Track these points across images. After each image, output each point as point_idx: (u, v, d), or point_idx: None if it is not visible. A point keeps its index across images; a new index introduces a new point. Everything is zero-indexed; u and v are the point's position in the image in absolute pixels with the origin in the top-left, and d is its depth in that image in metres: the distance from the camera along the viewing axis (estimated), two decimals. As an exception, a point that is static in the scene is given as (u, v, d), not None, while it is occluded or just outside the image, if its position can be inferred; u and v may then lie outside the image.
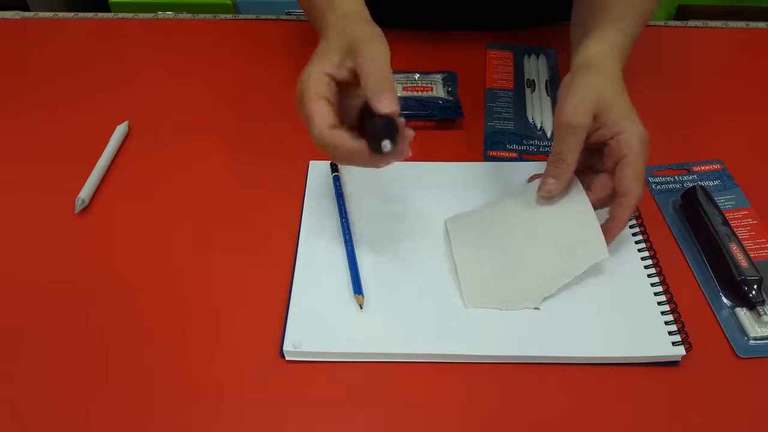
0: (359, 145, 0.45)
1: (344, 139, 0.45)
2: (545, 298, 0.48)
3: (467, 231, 0.53)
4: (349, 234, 0.53)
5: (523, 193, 0.54)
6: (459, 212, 0.55)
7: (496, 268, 0.50)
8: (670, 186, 0.59)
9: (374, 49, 0.46)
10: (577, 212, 0.51)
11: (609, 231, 0.49)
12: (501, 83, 0.71)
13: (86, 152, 0.62)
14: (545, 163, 0.51)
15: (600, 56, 0.51)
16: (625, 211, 0.48)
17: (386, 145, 0.44)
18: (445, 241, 0.53)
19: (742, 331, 0.47)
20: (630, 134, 0.48)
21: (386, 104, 0.44)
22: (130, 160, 0.62)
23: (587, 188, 0.51)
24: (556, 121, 0.50)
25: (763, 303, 0.48)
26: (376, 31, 0.48)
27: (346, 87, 0.47)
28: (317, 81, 0.46)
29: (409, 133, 0.46)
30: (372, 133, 0.44)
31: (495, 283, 0.49)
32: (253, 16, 0.83)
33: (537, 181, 0.53)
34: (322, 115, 0.45)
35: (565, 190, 0.51)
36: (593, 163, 0.52)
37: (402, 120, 0.46)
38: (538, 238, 0.51)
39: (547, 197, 0.51)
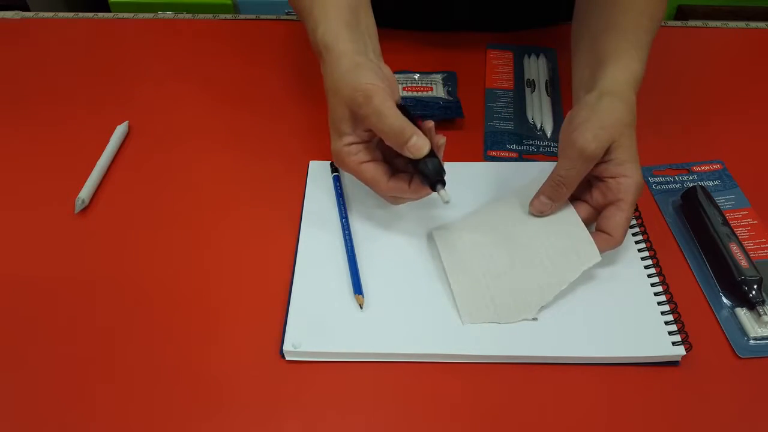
0: (416, 187, 0.48)
1: (403, 186, 0.49)
2: (542, 308, 0.48)
3: (456, 244, 0.52)
4: (349, 234, 0.53)
5: (508, 203, 0.54)
6: (458, 211, 0.55)
7: (490, 281, 0.49)
8: (670, 186, 0.59)
9: (377, 112, 0.46)
10: (564, 220, 0.51)
11: None
12: (501, 83, 0.71)
13: (86, 152, 0.62)
14: (545, 163, 0.51)
15: (626, 86, 0.50)
16: (605, 248, 0.49)
17: (443, 193, 0.47)
18: (433, 249, 0.52)
19: (742, 331, 0.47)
20: (632, 181, 0.48)
21: (416, 150, 0.46)
22: (130, 160, 0.62)
23: None
24: (568, 141, 0.48)
25: (763, 303, 0.48)
26: (367, 78, 0.47)
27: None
28: (347, 153, 0.49)
29: (442, 141, 0.48)
30: (425, 178, 0.47)
31: (490, 297, 0.48)
32: (253, 16, 0.83)
33: (521, 192, 0.54)
34: (375, 177, 0.49)
35: (557, 208, 0.52)
36: (578, 190, 0.51)
37: (430, 124, 0.48)
38: (529, 248, 0.51)
39: (536, 215, 0.52)
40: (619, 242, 0.49)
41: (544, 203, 0.51)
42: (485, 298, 0.48)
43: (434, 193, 0.47)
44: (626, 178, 0.48)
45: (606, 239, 0.49)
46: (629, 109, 0.49)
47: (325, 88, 0.50)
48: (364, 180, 0.49)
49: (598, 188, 0.50)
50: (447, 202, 0.46)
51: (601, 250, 0.48)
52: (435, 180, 0.46)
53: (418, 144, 0.46)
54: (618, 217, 0.48)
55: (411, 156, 0.46)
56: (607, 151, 0.48)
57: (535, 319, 0.47)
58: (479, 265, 0.50)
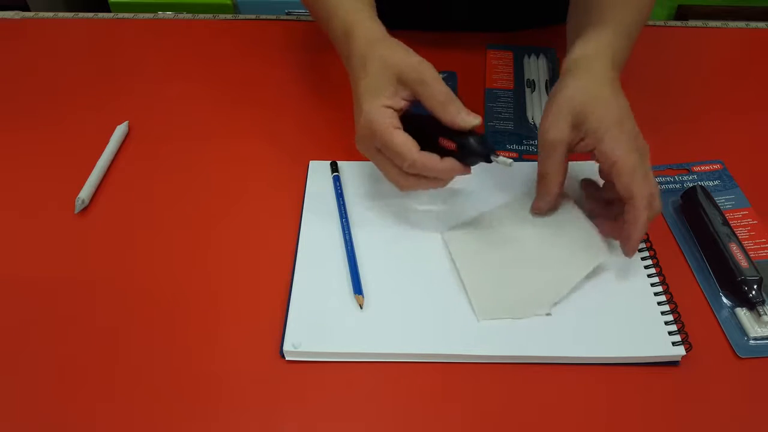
0: (450, 162, 0.47)
1: (435, 159, 0.47)
2: (555, 303, 0.48)
3: (467, 244, 0.52)
4: (349, 234, 0.53)
5: (516, 204, 0.55)
6: (456, 213, 0.55)
7: (502, 278, 0.50)
8: (670, 186, 0.59)
9: (431, 76, 0.47)
10: (570, 218, 0.52)
11: (625, 235, 0.48)
12: (501, 83, 0.71)
13: (86, 152, 0.62)
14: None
15: (585, 59, 0.50)
16: (634, 213, 0.46)
17: (501, 159, 0.46)
18: (443, 248, 0.53)
19: (742, 331, 0.47)
20: (610, 143, 0.46)
21: (470, 117, 0.46)
22: (130, 160, 0.62)
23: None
24: (538, 136, 0.50)
25: (763, 303, 0.48)
26: (409, 50, 0.49)
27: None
28: (383, 114, 0.47)
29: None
30: (480, 147, 0.47)
31: (504, 293, 0.49)
32: (253, 16, 0.83)
33: (525, 195, 0.54)
34: (406, 143, 0.47)
35: (554, 206, 0.52)
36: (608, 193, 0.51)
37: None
38: (538, 247, 0.51)
39: (534, 215, 0.53)
40: (643, 195, 0.46)
41: (537, 201, 0.51)
42: (498, 294, 0.49)
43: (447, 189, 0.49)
44: (602, 143, 0.46)
45: (627, 209, 0.47)
46: (592, 78, 0.48)
47: (354, 66, 0.50)
48: (393, 146, 0.47)
49: (600, 169, 0.50)
50: (510, 165, 0.46)
51: (635, 219, 0.46)
52: (488, 150, 0.47)
53: (470, 114, 0.46)
54: (622, 177, 0.46)
55: (463, 124, 0.46)
56: (576, 128, 0.47)
57: (548, 314, 0.47)
58: (491, 264, 0.51)
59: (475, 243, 0.52)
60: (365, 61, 0.49)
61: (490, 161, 0.47)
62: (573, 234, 0.51)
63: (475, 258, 0.51)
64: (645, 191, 0.46)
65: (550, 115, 0.48)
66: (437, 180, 0.49)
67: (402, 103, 0.48)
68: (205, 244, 0.54)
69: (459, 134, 0.47)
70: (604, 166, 0.48)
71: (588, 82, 0.48)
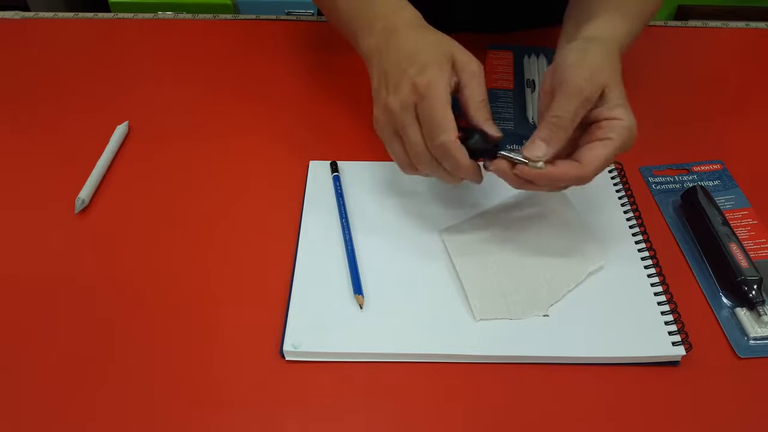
0: (474, 165, 0.46)
1: (464, 154, 0.45)
2: (552, 305, 0.48)
3: (465, 244, 0.52)
4: (349, 234, 0.53)
5: (513, 206, 0.55)
6: (456, 213, 0.55)
7: (500, 278, 0.50)
8: (670, 186, 0.59)
9: (476, 71, 0.47)
10: (568, 221, 0.52)
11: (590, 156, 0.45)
12: (501, 83, 0.71)
13: (86, 152, 0.62)
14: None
15: (611, 36, 0.49)
16: (569, 176, 0.45)
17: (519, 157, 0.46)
18: (443, 249, 0.53)
19: (742, 331, 0.47)
20: (625, 123, 0.45)
21: (495, 130, 0.47)
22: (130, 160, 0.62)
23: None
24: (563, 80, 0.45)
25: (763, 303, 0.48)
26: (458, 43, 0.49)
27: None
28: (446, 89, 0.46)
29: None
30: (486, 155, 0.47)
31: (501, 293, 0.49)
32: (253, 16, 0.83)
33: (523, 195, 0.54)
34: (452, 123, 0.45)
35: (554, 153, 0.46)
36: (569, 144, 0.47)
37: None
38: (536, 248, 0.51)
39: (533, 162, 0.45)
40: (588, 176, 0.45)
41: (539, 146, 0.45)
42: (496, 294, 0.49)
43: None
44: (619, 120, 0.45)
45: (574, 166, 0.45)
46: (617, 58, 0.48)
47: (378, 41, 0.50)
48: (441, 117, 0.45)
49: (588, 132, 0.47)
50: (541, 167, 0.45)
51: (565, 179, 0.45)
52: (497, 147, 0.47)
53: (495, 127, 0.47)
54: (597, 150, 0.45)
55: (492, 132, 0.47)
56: (600, 95, 0.46)
57: (546, 315, 0.48)
58: (489, 264, 0.51)
59: (473, 244, 0.52)
60: (415, 40, 0.49)
61: (495, 157, 0.47)
62: (569, 239, 0.52)
63: (474, 259, 0.51)
64: (594, 171, 0.45)
65: (589, 68, 0.45)
66: (448, 175, 0.48)
67: (450, 89, 0.46)
68: (205, 244, 0.54)
69: (472, 134, 0.47)
70: (598, 134, 0.46)
71: (615, 59, 0.48)
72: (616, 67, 0.48)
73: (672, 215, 0.56)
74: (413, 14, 0.53)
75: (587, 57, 0.46)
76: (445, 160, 0.46)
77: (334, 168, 0.59)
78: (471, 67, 0.48)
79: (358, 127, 0.65)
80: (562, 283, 0.49)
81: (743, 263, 0.49)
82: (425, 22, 0.53)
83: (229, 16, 0.83)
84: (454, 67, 0.48)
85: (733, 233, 0.52)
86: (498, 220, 0.54)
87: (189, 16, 0.84)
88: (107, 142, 0.63)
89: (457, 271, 0.50)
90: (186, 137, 0.65)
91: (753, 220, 0.54)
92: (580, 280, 0.49)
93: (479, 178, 0.48)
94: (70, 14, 0.84)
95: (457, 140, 0.45)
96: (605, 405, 0.44)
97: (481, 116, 0.47)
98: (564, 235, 0.52)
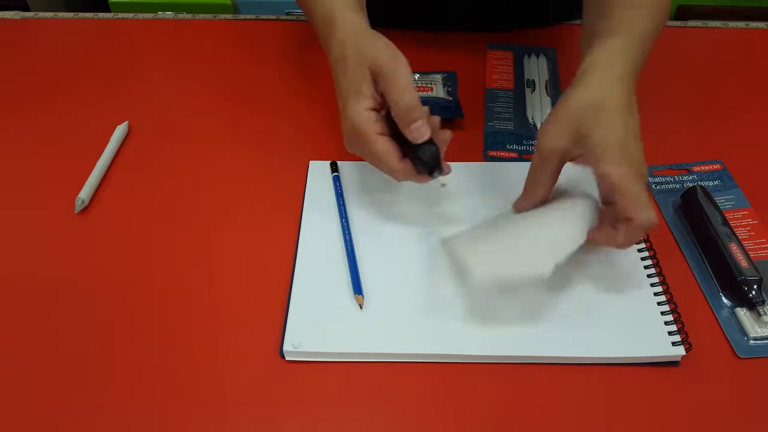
0: (421, 176, 0.48)
1: (411, 171, 0.48)
2: (557, 265, 0.45)
3: (464, 239, 0.51)
4: (349, 234, 0.53)
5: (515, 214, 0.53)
6: (456, 213, 0.55)
7: (499, 237, 0.49)
8: (670, 186, 0.59)
9: (398, 73, 0.47)
10: (571, 207, 0.50)
11: (617, 245, 0.46)
12: (501, 83, 0.71)
13: (86, 152, 0.62)
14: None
15: (598, 68, 0.47)
16: (631, 231, 0.44)
17: (437, 176, 0.48)
18: (433, 248, 0.52)
19: (742, 331, 0.47)
20: (609, 167, 0.43)
21: (417, 134, 0.47)
22: (130, 160, 0.62)
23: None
24: (536, 140, 0.48)
25: (763, 303, 0.48)
26: (387, 43, 0.49)
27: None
28: (367, 119, 0.48)
29: (447, 136, 0.49)
30: (422, 164, 0.48)
31: (500, 249, 0.47)
32: (253, 16, 0.83)
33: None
34: (389, 151, 0.48)
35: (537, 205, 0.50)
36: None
37: (436, 119, 0.49)
38: (537, 219, 0.50)
39: (513, 212, 0.51)
40: (642, 219, 0.44)
41: (518, 200, 0.51)
42: (494, 250, 0.47)
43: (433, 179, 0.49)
44: (599, 165, 0.44)
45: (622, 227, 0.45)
46: (608, 89, 0.46)
47: (334, 57, 0.50)
48: (376, 152, 0.48)
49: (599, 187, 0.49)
50: (444, 185, 0.48)
51: (627, 236, 0.45)
52: (432, 166, 0.48)
53: (420, 129, 0.46)
54: (619, 201, 0.44)
55: (410, 138, 0.47)
56: (576, 142, 0.45)
57: (550, 274, 0.44)
58: (486, 233, 0.50)
59: (471, 233, 0.51)
60: (344, 54, 0.49)
61: (432, 176, 0.48)
62: (572, 205, 0.49)
63: (469, 234, 0.50)
64: (645, 217, 0.44)
65: (552, 122, 0.46)
66: (412, 181, 0.50)
67: (380, 99, 0.48)
68: (205, 244, 0.54)
69: (413, 145, 0.47)
70: (602, 186, 0.48)
71: (597, 94, 0.45)
72: (601, 97, 0.45)
73: (672, 215, 0.56)
74: (349, 18, 0.51)
75: (557, 106, 0.47)
76: (401, 180, 0.49)
77: (334, 168, 0.59)
78: (388, 72, 0.47)
79: (358, 127, 0.65)
80: (565, 242, 0.46)
81: (743, 263, 0.49)
82: (361, 23, 0.51)
83: (229, 16, 0.83)
84: (376, 79, 0.48)
85: (733, 233, 0.52)
86: (499, 220, 0.54)
87: (189, 16, 0.84)
88: (107, 142, 0.63)
89: (450, 245, 0.50)
90: (186, 137, 0.65)
91: (753, 220, 0.54)
92: (581, 241, 0.47)
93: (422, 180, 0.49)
94: (70, 14, 0.84)
95: (401, 165, 0.48)
96: (605, 405, 0.44)
97: (401, 123, 0.47)
98: (567, 218, 0.49)
